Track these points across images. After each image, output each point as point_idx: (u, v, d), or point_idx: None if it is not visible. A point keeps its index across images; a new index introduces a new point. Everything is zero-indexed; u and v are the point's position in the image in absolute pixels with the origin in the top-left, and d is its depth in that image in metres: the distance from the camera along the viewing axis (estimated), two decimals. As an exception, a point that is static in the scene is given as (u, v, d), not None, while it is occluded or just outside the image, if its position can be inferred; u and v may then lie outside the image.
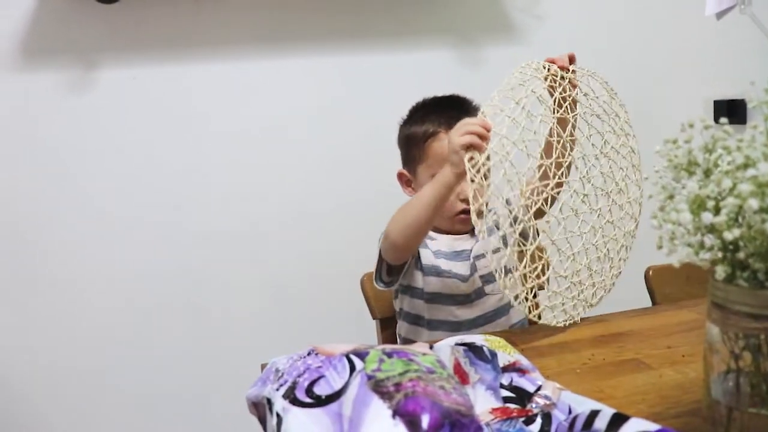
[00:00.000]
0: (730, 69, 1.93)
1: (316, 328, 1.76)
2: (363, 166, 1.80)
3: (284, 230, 1.78)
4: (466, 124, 0.97)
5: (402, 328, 1.27)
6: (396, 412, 0.53)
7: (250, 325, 1.77)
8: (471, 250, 1.22)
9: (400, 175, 1.28)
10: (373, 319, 1.33)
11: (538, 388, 0.72)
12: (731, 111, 1.84)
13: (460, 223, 1.21)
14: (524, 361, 0.77)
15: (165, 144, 1.69)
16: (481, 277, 1.22)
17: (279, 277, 1.78)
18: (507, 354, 0.78)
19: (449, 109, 1.21)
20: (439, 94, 1.27)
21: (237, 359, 1.71)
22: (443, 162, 1.16)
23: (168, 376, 1.73)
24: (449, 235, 1.24)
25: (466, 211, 1.17)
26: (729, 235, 0.57)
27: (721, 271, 0.60)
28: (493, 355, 0.76)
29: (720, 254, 0.61)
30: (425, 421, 0.52)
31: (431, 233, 1.23)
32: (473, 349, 0.76)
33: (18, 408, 1.67)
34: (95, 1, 1.59)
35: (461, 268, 1.21)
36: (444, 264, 1.20)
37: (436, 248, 1.22)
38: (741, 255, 0.59)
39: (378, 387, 0.57)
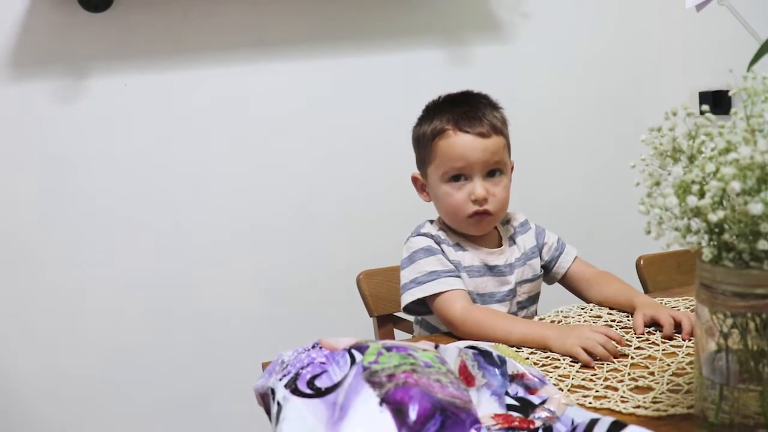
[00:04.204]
0: (714, 60, 1.96)
1: (314, 328, 1.77)
2: (356, 165, 1.82)
3: (280, 231, 1.79)
4: (599, 341, 0.91)
5: (418, 333, 1.25)
6: (383, 400, 0.54)
7: (249, 325, 1.78)
8: (505, 267, 1.17)
9: (414, 179, 1.23)
10: (370, 316, 1.35)
11: (543, 401, 0.72)
12: (716, 102, 1.87)
13: (474, 225, 1.14)
14: (533, 373, 0.76)
15: (158, 150, 1.70)
16: (518, 303, 1.19)
17: (277, 277, 1.79)
18: (517, 363, 0.77)
19: (458, 105, 1.15)
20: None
21: (237, 360, 1.72)
22: (450, 160, 1.12)
23: (169, 378, 1.74)
24: (481, 248, 1.17)
25: (478, 213, 1.12)
26: (713, 217, 0.59)
27: (707, 253, 0.62)
28: (503, 361, 0.76)
29: (706, 236, 0.63)
30: (413, 410, 0.53)
31: (463, 243, 1.17)
32: (483, 353, 0.76)
33: (19, 412, 1.67)
34: (84, 10, 1.60)
35: (493, 284, 1.16)
36: (472, 284, 1.14)
37: (469, 264, 1.15)
38: (726, 236, 0.61)
39: (371, 377, 0.58)
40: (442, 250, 1.15)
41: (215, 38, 1.71)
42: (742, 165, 0.58)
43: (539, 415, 0.69)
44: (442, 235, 1.17)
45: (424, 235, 1.17)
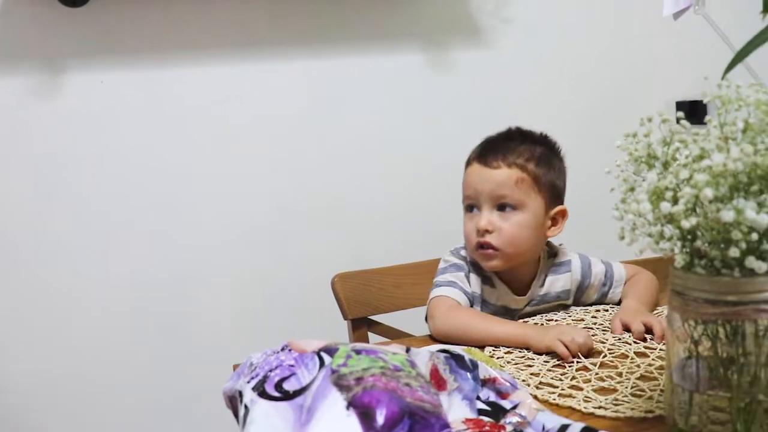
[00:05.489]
0: (692, 70, 1.98)
1: (296, 330, 1.76)
2: (337, 169, 1.81)
3: (265, 232, 1.77)
4: (577, 337, 0.93)
5: None
6: (351, 404, 0.54)
7: (239, 326, 1.76)
8: (521, 311, 1.17)
9: None
10: (344, 319, 1.34)
11: (515, 406, 0.72)
12: (692, 111, 1.89)
13: (481, 258, 1.13)
14: (505, 377, 0.76)
15: (137, 148, 1.68)
16: None
17: (264, 278, 1.78)
18: (489, 367, 0.77)
19: (496, 139, 1.17)
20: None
21: (227, 361, 1.70)
22: (464, 189, 1.14)
23: (157, 378, 1.72)
24: (509, 293, 1.16)
25: (481, 244, 1.11)
26: (686, 224, 0.59)
27: (680, 260, 0.62)
28: (475, 365, 0.76)
29: (679, 243, 0.63)
30: (380, 415, 0.52)
31: (494, 279, 1.16)
32: (455, 357, 0.76)
33: (8, 411, 1.64)
34: (61, 5, 1.58)
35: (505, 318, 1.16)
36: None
37: (492, 302, 1.16)
38: (698, 243, 0.61)
39: (339, 380, 0.57)
40: (468, 278, 1.15)
41: (196, 36, 1.70)
42: (714, 172, 0.58)
43: (510, 420, 0.69)
44: (474, 266, 1.17)
45: (461, 257, 1.18)
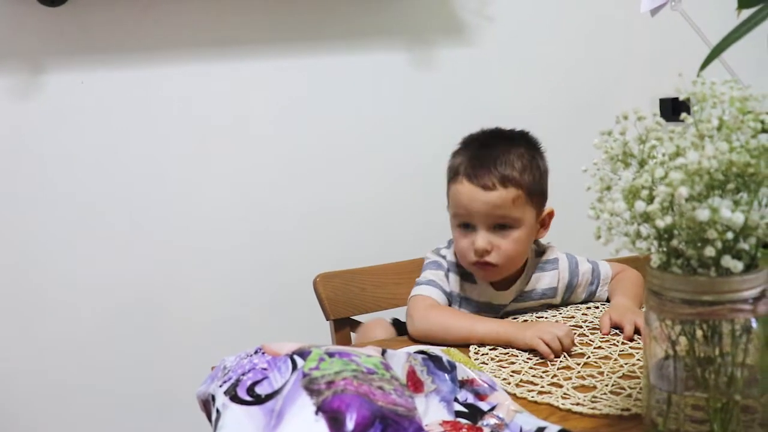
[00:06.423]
0: (676, 67, 1.98)
1: (279, 331, 1.74)
2: (319, 168, 1.80)
3: (244, 232, 1.75)
4: (557, 331, 0.94)
5: None
6: (320, 409, 0.53)
7: (214, 328, 1.74)
8: (505, 306, 1.16)
9: None
10: (327, 320, 1.33)
11: (492, 408, 0.72)
12: (676, 108, 1.89)
13: (478, 272, 1.12)
14: (484, 379, 0.76)
15: (115, 149, 1.65)
16: None
17: (241, 280, 1.76)
18: (467, 368, 0.77)
19: (480, 147, 1.12)
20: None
21: (201, 362, 1.68)
22: (456, 207, 1.10)
23: (133, 378, 1.70)
24: (489, 288, 1.15)
25: (479, 263, 1.09)
26: (661, 223, 0.58)
27: (656, 259, 0.62)
28: (453, 366, 0.76)
29: (655, 242, 0.62)
30: (350, 419, 0.51)
31: (476, 276, 1.15)
32: (432, 359, 0.75)
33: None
34: (39, 4, 1.56)
35: (488, 315, 1.14)
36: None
37: (475, 299, 1.15)
38: (675, 243, 0.61)
39: (310, 384, 0.56)
40: (447, 277, 1.15)
41: (176, 36, 1.68)
42: (689, 170, 0.57)
43: (488, 422, 0.68)
44: (454, 264, 1.16)
45: (440, 256, 1.19)
